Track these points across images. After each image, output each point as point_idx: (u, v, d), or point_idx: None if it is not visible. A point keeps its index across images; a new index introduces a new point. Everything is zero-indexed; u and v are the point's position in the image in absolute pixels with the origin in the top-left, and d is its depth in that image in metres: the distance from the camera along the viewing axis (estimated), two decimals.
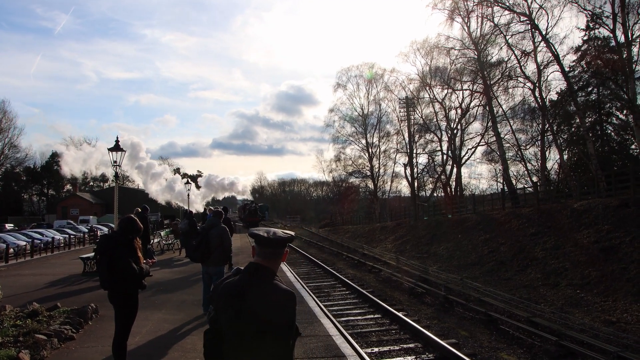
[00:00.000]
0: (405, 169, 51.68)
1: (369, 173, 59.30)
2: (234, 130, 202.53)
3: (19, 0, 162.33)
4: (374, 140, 58.83)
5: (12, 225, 52.18)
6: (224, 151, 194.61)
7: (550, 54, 32.47)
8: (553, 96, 37.14)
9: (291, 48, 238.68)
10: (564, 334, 10.90)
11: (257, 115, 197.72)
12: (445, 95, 45.64)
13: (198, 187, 50.87)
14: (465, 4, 36.54)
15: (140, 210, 15.38)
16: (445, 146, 47.76)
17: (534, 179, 38.25)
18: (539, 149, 37.24)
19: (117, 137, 15.83)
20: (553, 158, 39.89)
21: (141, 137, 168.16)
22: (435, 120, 48.02)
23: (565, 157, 37.06)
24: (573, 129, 36.79)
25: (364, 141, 59.30)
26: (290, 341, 2.38)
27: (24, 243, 25.64)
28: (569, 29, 43.98)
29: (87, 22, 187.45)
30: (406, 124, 42.09)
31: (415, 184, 45.47)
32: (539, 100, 34.48)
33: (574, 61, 35.77)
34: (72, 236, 31.58)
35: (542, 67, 33.96)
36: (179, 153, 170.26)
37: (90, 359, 6.63)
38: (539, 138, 36.66)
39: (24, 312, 8.52)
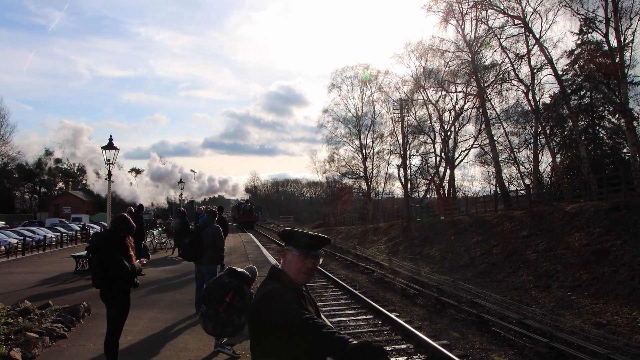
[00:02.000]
0: (398, 171, 51.89)
1: (362, 174, 59.30)
2: (225, 129, 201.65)
3: None
4: (368, 142, 58.91)
5: (3, 222, 51.77)
6: (215, 150, 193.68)
7: (543, 57, 32.71)
8: (546, 99, 37.39)
9: (284, 48, 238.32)
10: (554, 335, 10.98)
11: (247, 115, 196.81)
12: (439, 97, 45.84)
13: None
14: (460, 6, 36.78)
15: (134, 209, 15.35)
16: (438, 148, 47.99)
17: (527, 181, 38.42)
18: (532, 151, 37.44)
19: (111, 136, 15.82)
20: (546, 161, 40.17)
21: (132, 136, 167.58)
22: (428, 122, 48.22)
23: (558, 160, 37.30)
24: (566, 132, 37.00)
25: (357, 142, 59.33)
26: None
27: (16, 241, 25.47)
28: (562, 33, 44.03)
29: (80, 19, 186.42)
30: (400, 125, 42.23)
31: (409, 186, 45.61)
32: (532, 103, 34.69)
33: (567, 65, 36.05)
34: (64, 234, 31.39)
35: (535, 70, 34.23)
36: (171, 152, 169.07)
37: (82, 357, 6.62)
38: (532, 141, 36.86)
39: (15, 310, 8.49)
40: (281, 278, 2.43)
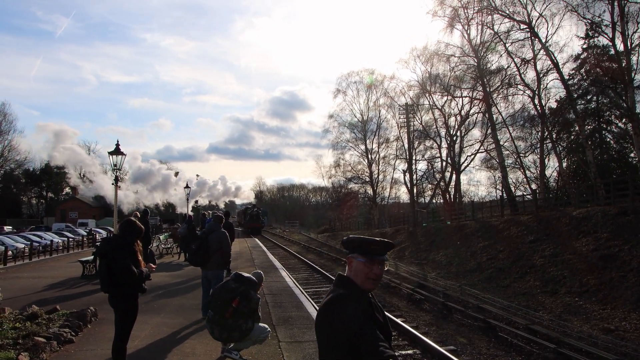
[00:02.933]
0: (404, 175, 51.76)
1: (368, 179, 59.25)
2: (230, 134, 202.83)
3: (20, 2, 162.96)
4: (374, 146, 58.87)
5: (10, 227, 52.18)
6: (220, 156, 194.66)
7: (549, 62, 32.66)
8: (552, 104, 37.26)
9: (288, 53, 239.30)
10: (562, 341, 10.92)
11: (252, 120, 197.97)
12: (445, 102, 45.70)
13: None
14: (465, 11, 36.76)
15: (140, 214, 15.40)
16: (444, 153, 47.87)
17: (533, 186, 38.29)
18: (538, 156, 37.34)
19: (118, 141, 15.88)
20: (552, 166, 39.99)
21: (137, 141, 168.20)
22: (434, 126, 48.10)
23: (565, 164, 37.11)
24: (572, 137, 36.88)
25: (363, 147, 59.34)
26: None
27: (23, 246, 25.62)
28: (568, 37, 44.25)
29: (87, 25, 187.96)
30: (406, 130, 42.17)
31: (415, 191, 45.51)
32: (539, 108, 34.58)
33: (573, 69, 35.96)
34: (70, 239, 31.53)
35: (541, 75, 34.11)
36: (176, 157, 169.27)
37: None
38: (538, 145, 36.75)
39: (23, 315, 8.54)
40: (348, 285, 2.41)
